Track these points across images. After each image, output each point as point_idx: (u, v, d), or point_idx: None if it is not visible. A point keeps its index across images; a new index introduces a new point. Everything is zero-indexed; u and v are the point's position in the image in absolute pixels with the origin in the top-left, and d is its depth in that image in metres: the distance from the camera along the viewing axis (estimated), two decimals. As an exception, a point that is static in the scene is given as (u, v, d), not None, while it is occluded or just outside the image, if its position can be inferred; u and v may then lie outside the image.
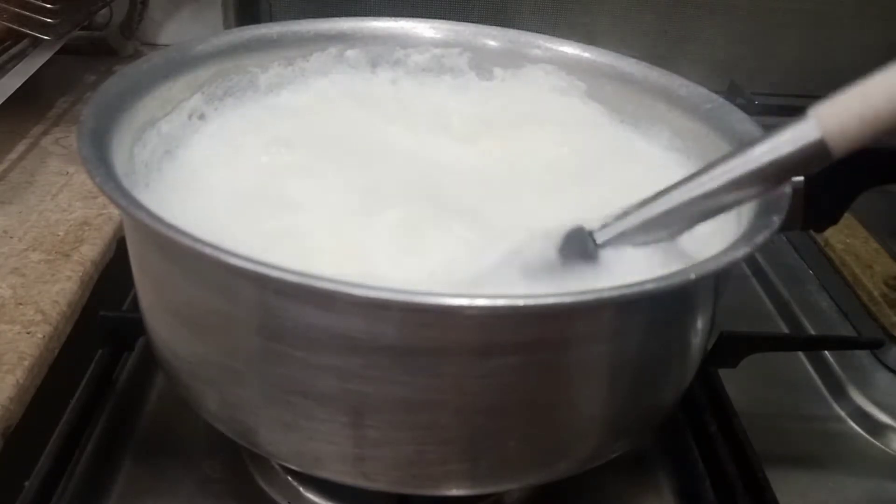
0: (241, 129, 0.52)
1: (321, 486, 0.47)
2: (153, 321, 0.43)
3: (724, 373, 0.53)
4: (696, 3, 0.93)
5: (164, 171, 0.47)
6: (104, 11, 0.89)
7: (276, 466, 0.48)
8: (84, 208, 0.63)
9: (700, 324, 0.41)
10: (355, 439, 0.37)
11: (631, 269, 0.39)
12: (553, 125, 0.55)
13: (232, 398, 0.40)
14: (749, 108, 0.69)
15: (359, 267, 0.41)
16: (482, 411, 0.36)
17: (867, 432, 0.56)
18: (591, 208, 0.42)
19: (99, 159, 0.38)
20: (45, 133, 0.74)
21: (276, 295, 0.34)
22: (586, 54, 0.56)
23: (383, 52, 0.58)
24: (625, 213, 0.40)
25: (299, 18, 0.56)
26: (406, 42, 0.58)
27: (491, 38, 0.58)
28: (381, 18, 0.58)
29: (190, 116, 0.51)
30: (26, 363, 0.48)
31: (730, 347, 0.53)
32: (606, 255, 0.40)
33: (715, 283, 0.40)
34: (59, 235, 0.59)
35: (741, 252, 0.36)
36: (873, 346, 0.60)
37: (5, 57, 0.72)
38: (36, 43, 0.72)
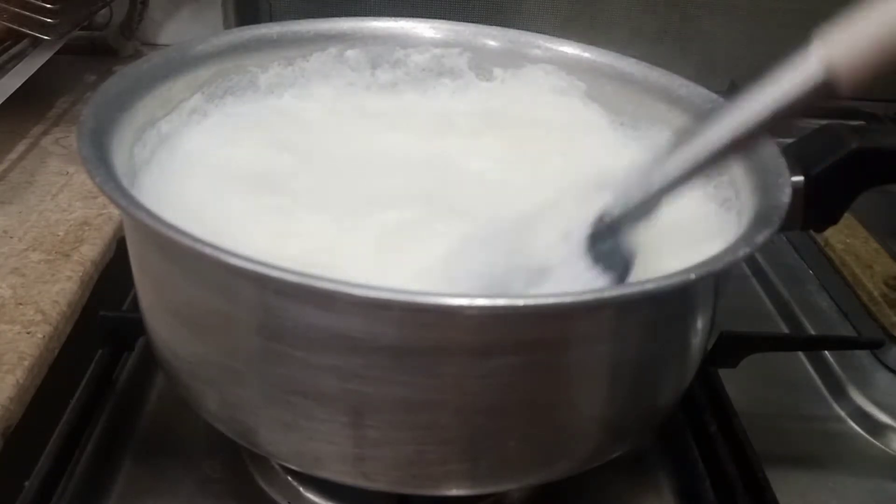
0: (239, 127, 0.52)
1: (321, 486, 0.47)
2: (153, 321, 0.43)
3: (724, 373, 0.53)
4: (696, 3, 0.93)
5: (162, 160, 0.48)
6: (104, 11, 0.89)
7: (276, 466, 0.48)
8: (84, 208, 0.63)
9: (700, 324, 0.41)
10: (355, 439, 0.37)
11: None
12: (553, 125, 0.55)
13: (232, 398, 0.40)
14: (749, 108, 0.69)
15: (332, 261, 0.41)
16: (482, 411, 0.36)
17: (867, 432, 0.56)
18: (590, 210, 0.41)
19: (99, 159, 0.38)
20: (45, 133, 0.74)
21: (276, 295, 0.34)
22: (586, 54, 0.56)
23: (383, 52, 0.58)
24: (630, 189, 0.39)
25: (299, 18, 0.56)
26: (406, 42, 0.58)
27: (491, 38, 0.58)
28: (381, 18, 0.57)
29: (190, 116, 0.51)
30: (26, 363, 0.48)
31: (730, 347, 0.53)
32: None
33: (715, 283, 0.40)
34: (59, 235, 0.59)
35: (741, 252, 0.36)
36: (873, 346, 0.60)
37: (5, 57, 0.72)
38: (36, 43, 0.72)
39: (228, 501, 0.47)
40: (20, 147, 0.71)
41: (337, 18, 0.57)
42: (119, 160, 0.41)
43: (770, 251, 0.72)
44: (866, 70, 0.31)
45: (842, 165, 0.42)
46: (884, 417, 0.56)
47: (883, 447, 0.55)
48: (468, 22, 0.58)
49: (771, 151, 0.43)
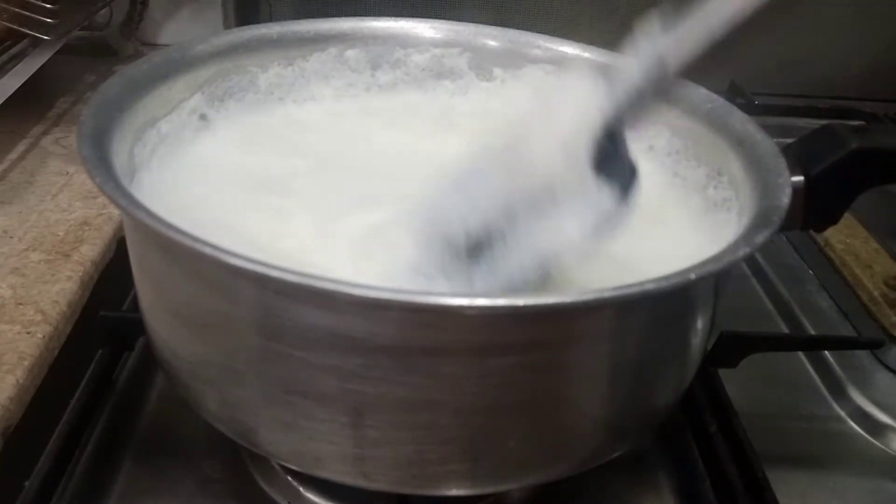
0: (239, 127, 0.52)
1: (321, 486, 0.47)
2: (153, 321, 0.43)
3: (724, 373, 0.53)
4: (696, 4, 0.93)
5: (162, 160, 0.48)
6: (104, 11, 0.89)
7: (276, 466, 0.48)
8: (84, 208, 0.63)
9: (700, 324, 0.41)
10: (355, 439, 0.37)
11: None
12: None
13: (232, 398, 0.40)
14: (749, 108, 0.69)
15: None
16: (482, 411, 0.36)
17: (867, 432, 0.56)
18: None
19: (99, 159, 0.38)
20: (45, 133, 0.74)
21: (276, 295, 0.34)
22: (586, 54, 0.56)
23: (383, 52, 0.58)
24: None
25: (299, 18, 0.56)
26: (406, 42, 0.58)
27: (491, 38, 0.58)
28: (381, 18, 0.58)
29: (190, 116, 0.51)
30: (26, 363, 0.48)
31: (730, 347, 0.52)
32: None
33: (715, 283, 0.40)
34: (59, 235, 0.59)
35: (741, 252, 0.36)
36: (873, 346, 0.60)
37: (5, 57, 0.72)
38: (36, 43, 0.72)
39: (228, 501, 0.47)
40: (20, 147, 0.71)
41: (337, 18, 0.57)
42: (119, 160, 0.41)
43: (770, 251, 0.72)
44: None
45: (842, 165, 0.42)
46: (884, 417, 0.56)
47: (883, 447, 0.55)
48: (468, 22, 0.58)
49: (771, 151, 0.43)
